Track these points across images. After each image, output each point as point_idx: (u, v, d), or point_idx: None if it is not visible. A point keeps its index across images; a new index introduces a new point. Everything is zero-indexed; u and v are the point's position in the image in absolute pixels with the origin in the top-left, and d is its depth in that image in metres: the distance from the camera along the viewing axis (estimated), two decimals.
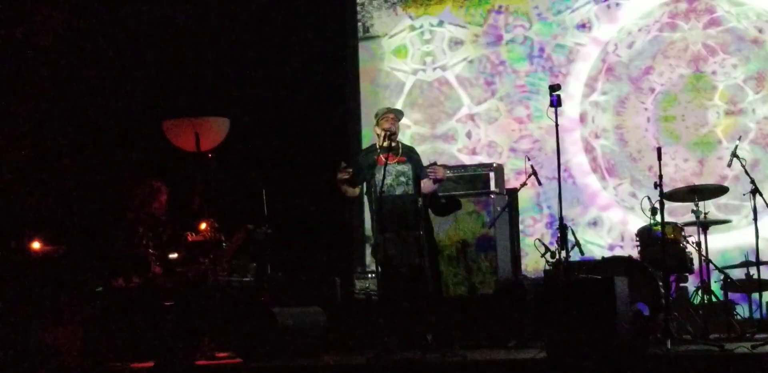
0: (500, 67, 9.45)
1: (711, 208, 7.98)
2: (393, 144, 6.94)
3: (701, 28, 8.90)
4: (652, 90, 9.00)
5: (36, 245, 7.37)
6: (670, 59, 8.97)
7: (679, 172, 8.79)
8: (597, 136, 9.13)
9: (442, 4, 9.66)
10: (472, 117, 9.50)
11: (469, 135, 9.49)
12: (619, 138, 9.08)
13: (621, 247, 8.84)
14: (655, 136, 8.90)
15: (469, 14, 9.56)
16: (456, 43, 9.60)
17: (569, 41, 9.26)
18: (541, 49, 9.33)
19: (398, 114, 7.20)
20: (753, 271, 7.53)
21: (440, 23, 9.65)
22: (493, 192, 8.10)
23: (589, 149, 9.15)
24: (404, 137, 9.31)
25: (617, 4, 9.17)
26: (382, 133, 7.00)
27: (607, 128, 9.12)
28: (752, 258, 7.43)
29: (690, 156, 8.84)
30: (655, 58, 9.01)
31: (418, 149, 7.38)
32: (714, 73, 8.85)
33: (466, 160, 9.27)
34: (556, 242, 6.77)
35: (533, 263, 8.67)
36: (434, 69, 9.65)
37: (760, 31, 8.78)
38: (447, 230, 7.94)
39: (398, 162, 6.99)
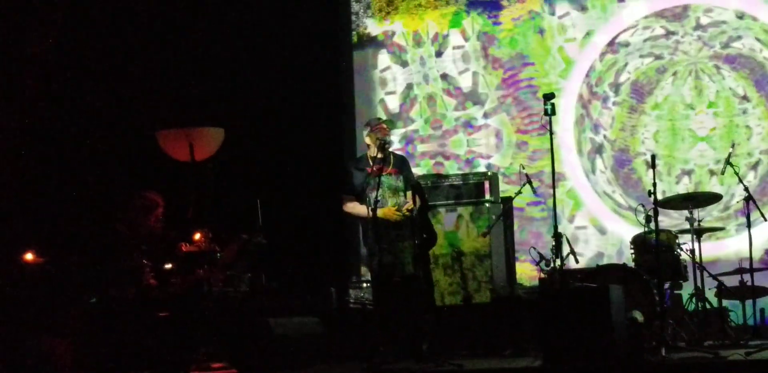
0: (501, 75, 9.42)
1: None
2: (385, 154, 6.95)
3: (696, 40, 8.93)
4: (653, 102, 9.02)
5: (29, 256, 7.35)
6: (670, 74, 8.98)
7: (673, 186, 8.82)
8: (595, 146, 9.15)
9: (433, 13, 9.66)
10: (469, 126, 9.47)
11: (467, 144, 9.47)
12: (619, 149, 9.08)
13: (615, 255, 8.85)
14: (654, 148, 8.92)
15: (467, 23, 9.57)
16: (451, 50, 9.59)
17: (565, 48, 9.26)
18: (532, 62, 9.34)
19: (390, 124, 7.22)
20: (747, 278, 7.54)
21: (433, 33, 9.66)
22: (488, 201, 8.10)
23: (589, 158, 9.15)
24: (408, 150, 9.36)
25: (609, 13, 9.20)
26: (376, 143, 7.01)
27: (606, 139, 9.13)
28: (746, 265, 7.46)
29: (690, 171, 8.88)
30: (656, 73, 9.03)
31: (415, 160, 7.39)
32: (716, 89, 8.86)
33: (466, 169, 9.25)
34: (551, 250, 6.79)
35: (528, 271, 8.67)
36: (431, 77, 9.63)
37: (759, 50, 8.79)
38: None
39: (390, 173, 7.00)
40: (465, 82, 9.52)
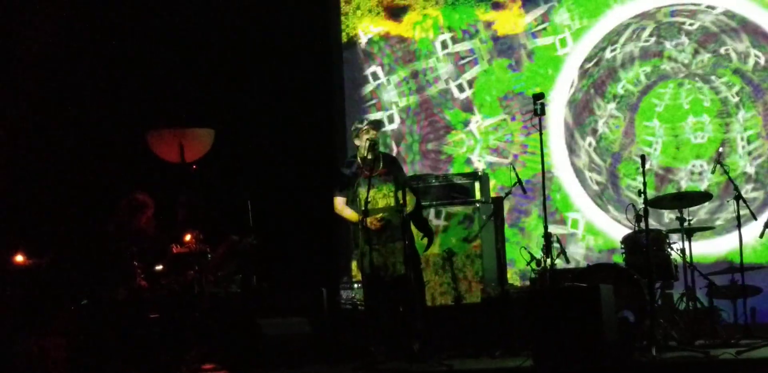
0: (497, 74, 9.42)
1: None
2: (375, 155, 6.95)
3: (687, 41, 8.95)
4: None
5: (19, 257, 7.34)
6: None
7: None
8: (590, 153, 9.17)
9: (423, 12, 9.65)
10: (466, 125, 9.46)
11: (464, 143, 9.46)
12: (614, 152, 9.09)
13: (606, 254, 8.87)
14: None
15: (459, 21, 9.57)
16: (444, 49, 9.58)
17: (559, 48, 9.26)
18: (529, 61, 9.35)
19: (377, 124, 7.23)
20: (737, 277, 7.56)
21: (425, 32, 9.66)
22: (478, 201, 8.11)
23: (582, 159, 9.16)
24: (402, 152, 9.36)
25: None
26: (365, 144, 7.00)
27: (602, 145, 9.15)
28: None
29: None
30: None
31: (410, 160, 7.37)
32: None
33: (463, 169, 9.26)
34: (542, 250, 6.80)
35: (519, 271, 8.66)
36: (424, 77, 9.63)
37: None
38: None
39: (380, 174, 6.99)
40: (461, 81, 9.51)
